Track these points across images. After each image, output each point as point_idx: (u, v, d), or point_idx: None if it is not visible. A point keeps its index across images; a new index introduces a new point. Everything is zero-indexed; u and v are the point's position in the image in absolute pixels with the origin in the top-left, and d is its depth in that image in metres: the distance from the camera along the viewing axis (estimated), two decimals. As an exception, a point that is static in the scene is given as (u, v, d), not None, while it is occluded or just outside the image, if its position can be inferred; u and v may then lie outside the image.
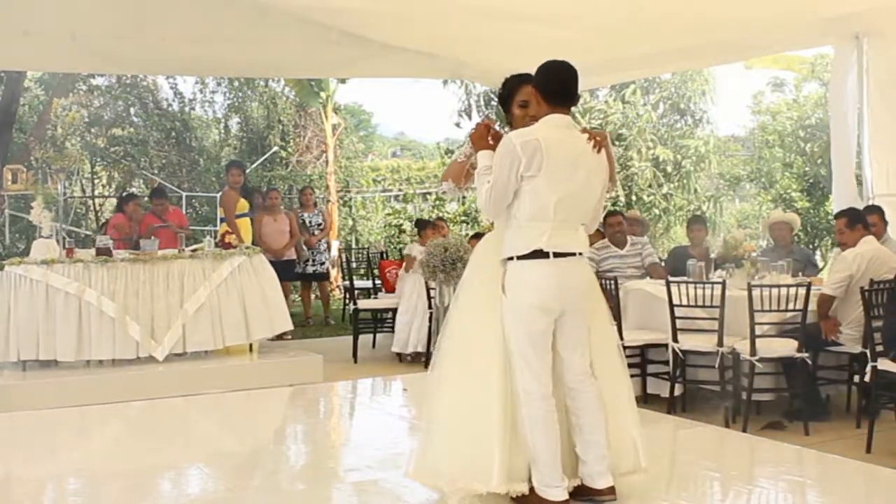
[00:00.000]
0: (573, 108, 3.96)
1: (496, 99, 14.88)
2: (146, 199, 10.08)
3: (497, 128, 4.05)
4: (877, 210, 6.64)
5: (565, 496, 3.72)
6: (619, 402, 3.92)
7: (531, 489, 3.74)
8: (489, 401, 3.75)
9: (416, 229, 9.67)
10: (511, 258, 3.77)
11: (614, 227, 7.49)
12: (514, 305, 3.75)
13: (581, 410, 3.79)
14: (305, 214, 10.52)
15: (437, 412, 3.93)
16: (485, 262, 3.95)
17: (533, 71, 3.88)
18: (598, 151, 3.79)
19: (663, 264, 7.83)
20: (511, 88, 4.01)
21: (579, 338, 3.82)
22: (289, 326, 7.87)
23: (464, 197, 16.12)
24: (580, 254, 3.79)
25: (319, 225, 10.55)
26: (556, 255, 3.70)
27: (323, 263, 10.58)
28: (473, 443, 3.76)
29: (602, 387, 3.84)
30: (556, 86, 3.78)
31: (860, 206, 7.01)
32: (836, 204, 7.57)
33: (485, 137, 3.94)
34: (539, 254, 3.70)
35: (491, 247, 3.96)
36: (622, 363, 4.07)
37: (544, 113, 3.78)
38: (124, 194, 10.96)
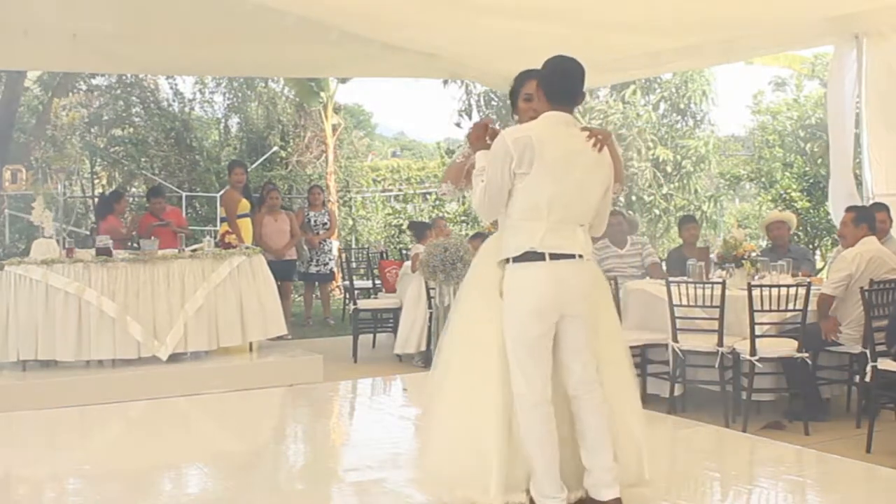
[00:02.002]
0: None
1: (496, 98, 14.95)
2: (144, 197, 10.05)
3: (496, 127, 3.99)
4: (884, 208, 6.63)
5: None
6: (624, 409, 3.79)
7: (530, 500, 3.67)
8: (488, 408, 3.68)
9: (410, 231, 9.68)
10: (508, 260, 3.68)
11: (614, 226, 7.48)
12: (511, 309, 3.66)
13: (584, 418, 3.66)
14: (311, 213, 10.53)
15: (437, 418, 3.88)
16: (485, 265, 3.87)
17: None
18: (600, 150, 3.68)
19: (663, 267, 7.83)
20: (518, 83, 3.94)
21: (580, 344, 3.67)
22: (283, 331, 7.85)
23: (463, 197, 16.14)
24: (580, 256, 3.64)
25: (325, 224, 10.55)
26: (553, 256, 3.58)
27: (327, 264, 10.58)
28: (472, 451, 3.70)
29: (607, 394, 3.71)
30: (557, 84, 3.69)
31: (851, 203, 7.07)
32: (832, 203, 7.59)
33: (482, 137, 3.86)
34: (534, 255, 3.59)
35: (492, 249, 3.88)
36: (630, 369, 3.93)
37: (544, 109, 3.70)
38: (109, 194, 10.92)
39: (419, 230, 9.20)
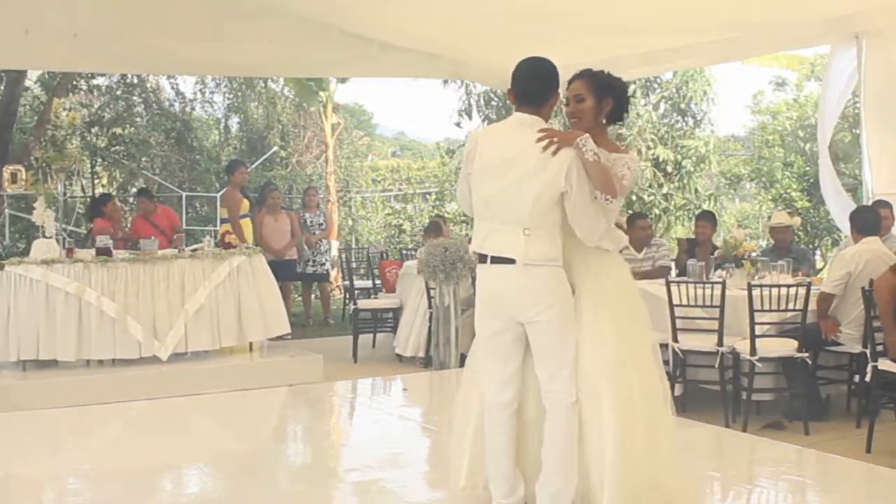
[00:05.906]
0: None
1: (496, 98, 14.86)
2: (131, 199, 10.02)
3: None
4: (887, 205, 6.67)
5: None
6: (599, 431, 3.45)
7: None
8: (473, 402, 3.79)
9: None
10: None
11: (638, 230, 7.51)
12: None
13: (544, 436, 3.54)
14: (307, 214, 10.54)
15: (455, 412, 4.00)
16: None
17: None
18: (554, 152, 3.40)
19: (675, 256, 7.90)
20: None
21: (539, 353, 3.51)
22: (285, 330, 7.84)
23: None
24: (518, 260, 3.43)
25: (321, 225, 10.56)
26: (493, 259, 3.51)
27: (323, 264, 10.58)
28: (457, 440, 3.87)
29: (582, 413, 3.48)
30: (515, 85, 3.62)
31: (840, 199, 7.08)
32: (827, 199, 7.63)
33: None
34: (480, 257, 3.58)
35: None
36: (616, 387, 3.48)
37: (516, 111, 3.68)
38: (98, 196, 10.90)
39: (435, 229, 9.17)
